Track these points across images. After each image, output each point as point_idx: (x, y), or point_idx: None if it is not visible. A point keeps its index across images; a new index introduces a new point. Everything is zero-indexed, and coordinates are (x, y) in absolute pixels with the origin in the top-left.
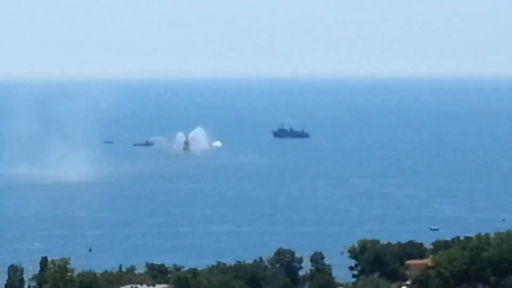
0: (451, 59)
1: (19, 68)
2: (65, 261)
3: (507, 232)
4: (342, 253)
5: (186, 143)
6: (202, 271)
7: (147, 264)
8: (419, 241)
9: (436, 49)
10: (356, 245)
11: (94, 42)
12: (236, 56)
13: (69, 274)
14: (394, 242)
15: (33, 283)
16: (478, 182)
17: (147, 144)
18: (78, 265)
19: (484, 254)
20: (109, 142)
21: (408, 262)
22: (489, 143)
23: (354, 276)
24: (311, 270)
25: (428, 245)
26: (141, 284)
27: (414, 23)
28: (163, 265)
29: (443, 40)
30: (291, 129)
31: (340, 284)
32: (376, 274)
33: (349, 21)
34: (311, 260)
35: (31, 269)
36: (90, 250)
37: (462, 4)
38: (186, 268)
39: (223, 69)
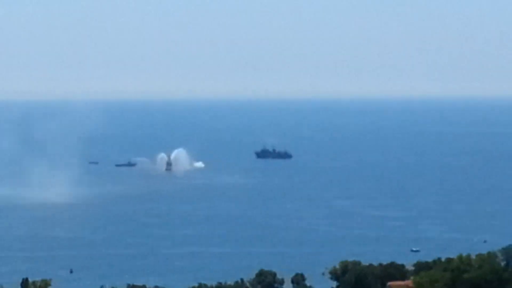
0: (443, 78)
1: (1, 88)
2: (46, 283)
3: (489, 253)
4: (323, 274)
5: (168, 164)
6: None
7: (128, 285)
8: (400, 263)
9: (425, 69)
10: (337, 266)
11: (76, 62)
12: (218, 76)
13: None
14: (375, 263)
15: None
16: (459, 203)
17: (130, 164)
18: (59, 287)
19: (466, 275)
20: (94, 162)
21: (390, 283)
22: (472, 164)
23: None
24: None
25: (409, 267)
26: None
27: (408, 43)
28: (144, 286)
29: (436, 59)
30: (273, 150)
31: None
32: None
33: (334, 40)
34: (292, 282)
35: None
36: (71, 272)
37: (461, 24)
38: None
39: (204, 89)
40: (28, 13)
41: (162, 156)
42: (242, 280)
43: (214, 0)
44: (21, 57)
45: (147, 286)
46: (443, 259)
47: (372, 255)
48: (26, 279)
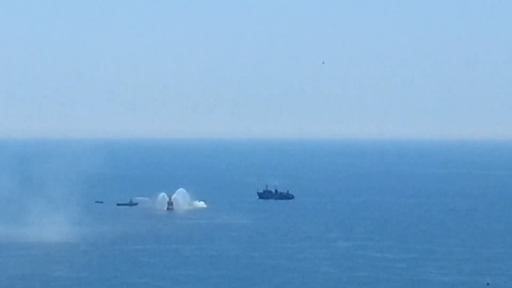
0: (442, 120)
1: None
2: None
3: None
4: None
5: (170, 203)
6: None
7: None
8: None
9: (426, 111)
10: None
11: (75, 100)
12: (220, 115)
13: None
14: None
15: None
16: (461, 245)
17: (131, 204)
18: None
19: None
20: (99, 202)
21: None
22: (475, 206)
23: None
24: None
25: None
26: None
27: (404, 84)
28: None
29: (435, 101)
30: (276, 190)
31: None
32: None
33: (336, 80)
34: None
35: None
36: None
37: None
38: None
39: (206, 129)
40: (24, 51)
41: (163, 195)
42: None
43: (215, 39)
44: (19, 95)
45: None
46: None
47: None
48: None
